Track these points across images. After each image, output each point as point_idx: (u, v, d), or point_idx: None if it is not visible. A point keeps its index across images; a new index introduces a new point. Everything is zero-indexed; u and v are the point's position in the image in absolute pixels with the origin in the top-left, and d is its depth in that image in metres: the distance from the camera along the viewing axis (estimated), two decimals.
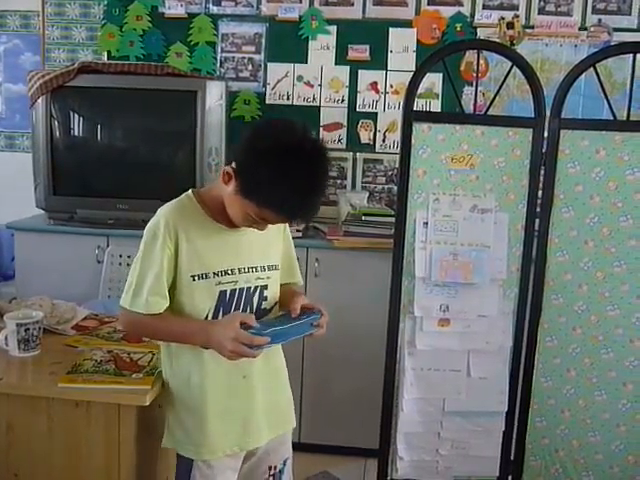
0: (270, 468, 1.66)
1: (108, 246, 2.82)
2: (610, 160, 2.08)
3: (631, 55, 2.12)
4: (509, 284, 2.23)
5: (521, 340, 2.27)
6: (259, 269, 1.54)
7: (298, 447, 2.71)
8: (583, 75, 2.14)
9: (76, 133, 2.90)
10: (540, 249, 2.19)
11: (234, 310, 1.51)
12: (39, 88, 2.76)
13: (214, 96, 2.79)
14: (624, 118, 2.18)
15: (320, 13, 3.12)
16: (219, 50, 3.23)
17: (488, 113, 2.38)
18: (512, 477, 2.37)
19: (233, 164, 1.42)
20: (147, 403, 1.51)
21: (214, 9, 3.21)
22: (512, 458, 2.36)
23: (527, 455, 2.34)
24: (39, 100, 2.78)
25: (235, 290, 1.50)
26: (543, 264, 2.20)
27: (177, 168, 2.90)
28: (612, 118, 2.18)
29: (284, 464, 1.69)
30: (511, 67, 2.15)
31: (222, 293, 1.49)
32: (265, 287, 1.55)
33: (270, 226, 1.49)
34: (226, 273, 1.49)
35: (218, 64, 3.23)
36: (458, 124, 2.12)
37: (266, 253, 1.56)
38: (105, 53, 3.28)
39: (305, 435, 2.79)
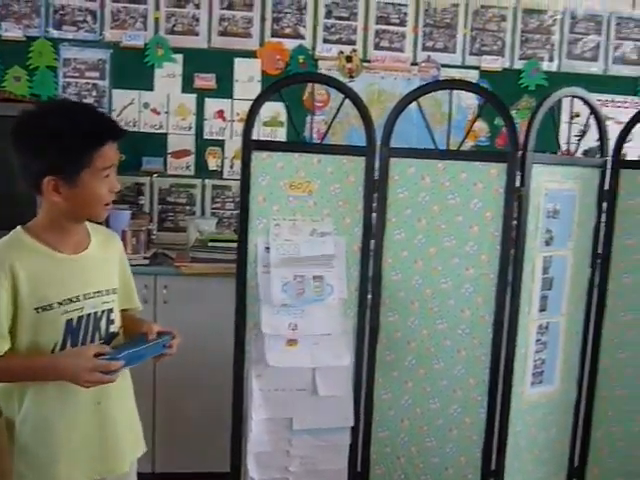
0: None
1: None
2: (434, 186, 2.27)
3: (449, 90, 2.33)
4: (349, 303, 2.35)
5: (362, 356, 2.40)
6: (104, 293, 1.55)
7: (153, 478, 2.70)
8: (414, 106, 2.33)
9: None
10: (376, 269, 2.34)
11: (82, 336, 1.50)
12: None
13: None
14: (447, 146, 2.39)
15: (166, 41, 3.15)
16: (61, 75, 3.16)
17: (326, 142, 2.51)
18: None
19: (47, 178, 1.43)
20: None
21: (55, 33, 3.14)
22: (359, 469, 2.48)
23: (372, 465, 2.46)
24: None
25: (82, 317, 1.50)
26: (379, 283, 2.34)
27: (17, 197, 2.77)
28: (435, 148, 2.38)
29: None
30: (343, 100, 2.29)
31: (69, 322, 1.48)
32: (111, 310, 1.56)
33: (108, 250, 1.55)
34: (71, 301, 1.48)
35: (60, 89, 3.16)
36: (295, 152, 2.22)
37: (108, 276, 1.58)
38: None
39: (160, 465, 2.76)
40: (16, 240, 1.48)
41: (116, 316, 1.60)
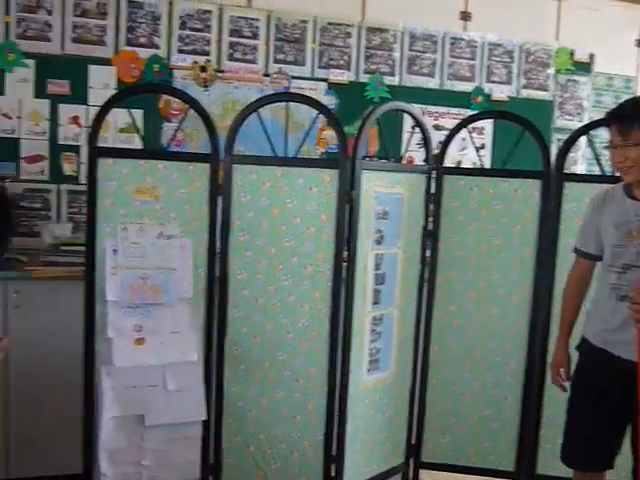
0: None
1: None
2: (273, 191, 2.45)
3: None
4: (197, 302, 2.48)
5: (211, 351, 2.54)
6: None
7: None
8: (270, 116, 2.49)
9: None
10: (222, 269, 2.48)
11: None
12: None
13: None
14: (285, 153, 2.57)
15: (17, 46, 3.14)
16: None
17: (184, 149, 2.63)
18: (212, 477, 2.62)
19: None
20: None
21: None
22: (212, 460, 2.61)
23: (224, 455, 2.60)
24: None
25: None
26: (225, 282, 2.49)
27: None
28: (275, 155, 2.56)
29: None
30: (187, 110, 2.42)
31: None
32: None
33: None
34: None
35: None
36: (141, 159, 2.33)
37: None
38: None
39: (14, 470, 2.76)
40: None
41: None
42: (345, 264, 2.45)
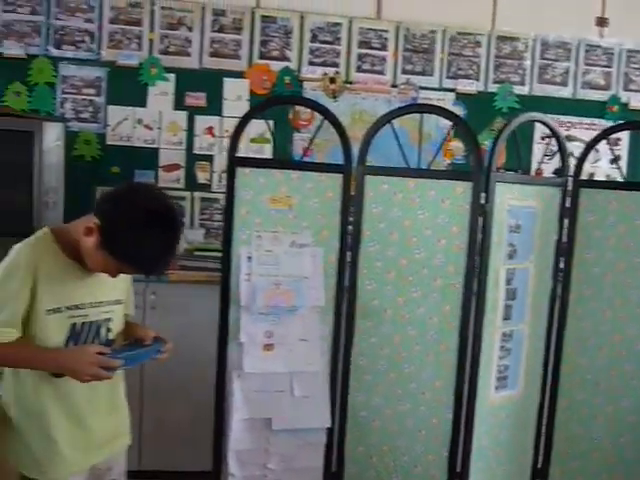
0: None
1: None
2: (405, 202, 2.44)
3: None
4: (326, 311, 2.51)
5: (337, 360, 2.56)
6: (105, 304, 1.69)
7: (139, 474, 2.83)
8: (399, 126, 2.51)
9: None
10: (351, 279, 2.50)
11: (83, 340, 1.65)
12: None
13: (52, 136, 2.89)
14: (419, 165, 2.56)
15: (159, 61, 3.33)
16: (59, 91, 3.32)
17: (312, 159, 2.68)
18: None
19: (95, 219, 1.54)
20: None
21: (54, 52, 3.31)
22: (334, 468, 2.63)
23: (346, 464, 2.61)
24: None
25: (85, 323, 1.64)
26: (354, 292, 2.51)
27: (14, 207, 2.94)
28: (407, 166, 2.56)
29: (122, 475, 1.84)
30: (322, 121, 2.46)
31: (73, 326, 1.62)
32: (110, 320, 1.71)
33: None
34: (77, 307, 1.63)
35: (58, 105, 3.32)
36: (276, 169, 2.39)
37: (112, 289, 1.72)
38: None
39: (145, 462, 2.89)
40: (42, 243, 1.61)
41: (115, 325, 1.74)
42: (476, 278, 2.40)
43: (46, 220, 2.83)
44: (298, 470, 2.59)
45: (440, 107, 2.55)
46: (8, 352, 1.57)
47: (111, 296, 1.72)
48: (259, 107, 2.39)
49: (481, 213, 2.37)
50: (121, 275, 1.71)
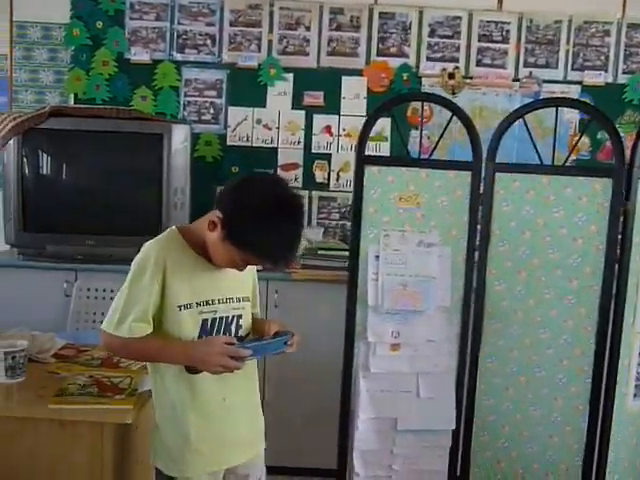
0: None
1: (76, 280, 2.95)
2: (538, 199, 2.35)
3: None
4: (453, 311, 2.45)
5: (465, 362, 2.50)
6: (235, 300, 1.70)
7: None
8: (517, 121, 2.42)
9: (46, 172, 3.04)
10: (480, 279, 2.44)
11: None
12: (11, 130, 2.90)
13: (179, 138, 2.98)
14: (553, 161, 2.46)
15: (277, 62, 3.37)
16: (182, 94, 3.43)
17: (432, 156, 2.63)
18: None
19: (218, 213, 1.57)
20: (130, 421, 1.67)
21: (178, 56, 3.42)
22: (458, 471, 2.57)
23: (472, 468, 2.54)
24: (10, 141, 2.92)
25: (215, 319, 1.66)
26: (483, 292, 2.44)
27: (144, 207, 3.06)
28: (540, 163, 2.46)
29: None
30: (451, 117, 2.41)
31: (204, 321, 1.64)
32: (240, 316, 1.72)
33: None
34: (207, 303, 1.64)
35: (181, 107, 3.43)
36: (405, 167, 2.36)
37: (240, 286, 1.74)
38: (72, 96, 3.45)
39: (269, 459, 2.93)
40: (172, 240, 1.65)
41: (245, 322, 1.75)
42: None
43: (174, 219, 2.92)
44: (422, 472, 2.55)
45: (578, 100, 2.44)
46: (140, 347, 1.61)
47: (240, 293, 1.73)
48: (386, 105, 2.37)
49: (622, 212, 2.25)
50: (247, 272, 1.73)
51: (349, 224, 3.35)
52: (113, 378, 1.82)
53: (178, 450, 1.66)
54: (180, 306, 1.62)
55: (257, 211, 1.52)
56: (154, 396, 1.70)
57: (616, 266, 2.28)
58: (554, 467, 2.42)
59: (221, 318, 1.67)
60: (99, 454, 1.69)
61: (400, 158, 2.76)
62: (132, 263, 1.63)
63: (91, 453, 1.69)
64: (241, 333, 1.73)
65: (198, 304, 1.63)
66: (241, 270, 1.65)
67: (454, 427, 2.51)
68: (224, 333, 1.68)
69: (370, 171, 2.36)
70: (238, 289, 1.73)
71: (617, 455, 2.40)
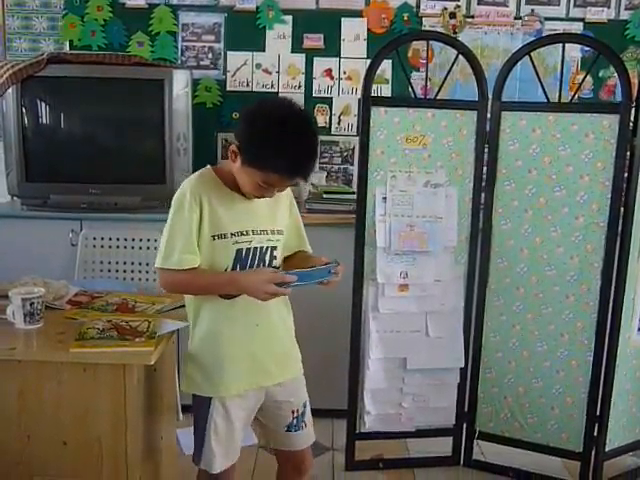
0: (293, 412, 1.87)
1: (82, 230, 2.94)
2: (545, 138, 2.35)
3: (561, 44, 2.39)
4: (460, 251, 2.48)
5: (472, 301, 2.54)
6: (269, 232, 1.74)
7: None
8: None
9: (47, 121, 3.00)
10: (486, 219, 2.46)
11: (249, 266, 1.71)
12: (9, 78, 2.85)
13: (180, 84, 2.94)
14: (556, 100, 2.45)
15: (276, 4, 3.30)
16: (180, 39, 3.37)
17: (434, 97, 2.61)
18: (466, 424, 2.65)
19: (236, 142, 1.63)
20: (152, 362, 1.69)
21: (174, 0, 3.34)
22: (466, 407, 2.64)
23: (479, 404, 2.61)
24: (9, 90, 2.87)
25: (250, 249, 1.71)
26: (489, 232, 2.46)
27: (147, 153, 3.03)
28: (545, 100, 2.45)
29: (304, 406, 1.90)
30: (457, 56, 2.39)
31: (239, 251, 1.69)
32: (275, 248, 1.76)
33: (278, 196, 1.71)
34: (242, 234, 1.69)
35: (179, 53, 3.37)
36: (411, 108, 2.35)
37: (274, 219, 1.77)
38: (67, 43, 3.37)
39: None
40: (206, 177, 1.71)
41: (278, 254, 1.79)
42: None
43: (177, 166, 2.91)
44: (431, 409, 2.62)
45: (585, 35, 2.42)
46: (190, 279, 1.68)
47: (274, 225, 1.77)
48: (392, 44, 2.34)
49: (629, 148, 2.26)
50: (283, 207, 1.79)
51: (351, 168, 3.38)
52: (131, 322, 1.84)
53: (214, 372, 1.73)
54: (214, 236, 1.67)
55: (266, 125, 1.57)
56: (191, 326, 1.76)
57: (622, 201, 2.30)
58: (560, 400, 2.49)
59: (255, 248, 1.72)
60: (122, 397, 1.72)
61: (406, 98, 2.74)
62: (173, 200, 1.69)
63: (114, 396, 1.72)
64: (275, 264, 1.77)
65: (233, 234, 1.69)
66: (270, 197, 1.69)
67: (462, 365, 2.57)
68: (259, 263, 1.73)
69: (376, 112, 2.35)
70: (272, 222, 1.77)
71: (621, 388, 2.46)
